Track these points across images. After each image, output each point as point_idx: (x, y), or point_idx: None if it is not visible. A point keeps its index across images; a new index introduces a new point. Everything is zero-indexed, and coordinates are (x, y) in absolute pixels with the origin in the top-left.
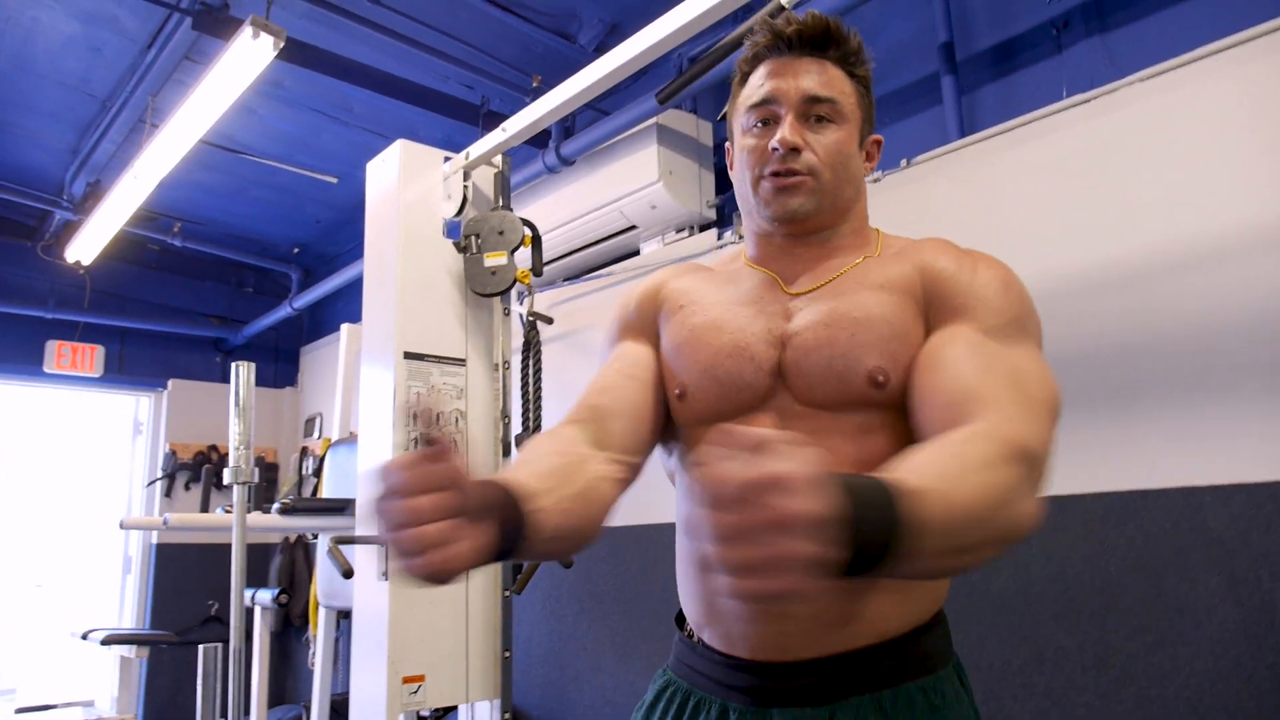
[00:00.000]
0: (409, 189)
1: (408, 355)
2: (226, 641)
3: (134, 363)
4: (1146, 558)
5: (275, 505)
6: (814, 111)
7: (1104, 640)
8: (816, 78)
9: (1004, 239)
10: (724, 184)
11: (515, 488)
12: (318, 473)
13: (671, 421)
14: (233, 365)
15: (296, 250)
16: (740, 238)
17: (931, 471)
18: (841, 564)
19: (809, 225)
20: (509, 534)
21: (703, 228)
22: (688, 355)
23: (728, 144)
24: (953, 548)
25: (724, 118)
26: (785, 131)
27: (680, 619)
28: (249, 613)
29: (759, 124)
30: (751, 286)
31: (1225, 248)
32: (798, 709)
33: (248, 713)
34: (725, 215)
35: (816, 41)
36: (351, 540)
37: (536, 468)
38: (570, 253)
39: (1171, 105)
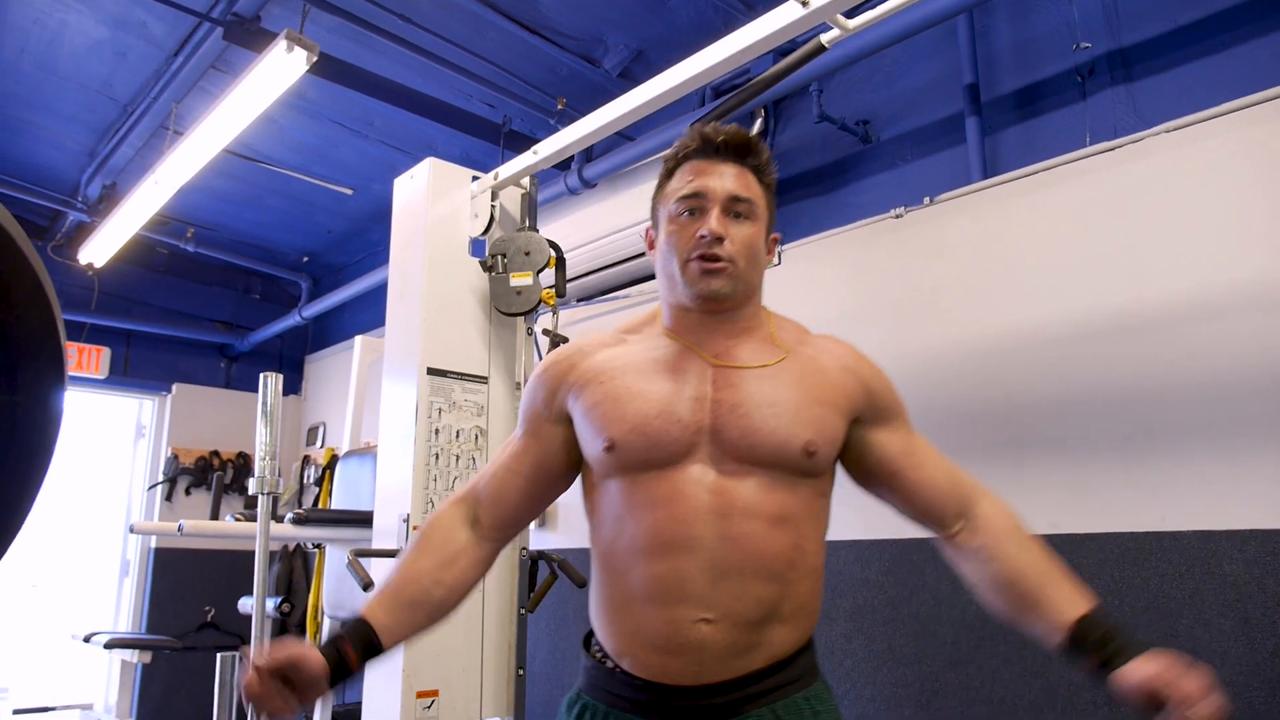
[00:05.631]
0: (436, 206)
1: (430, 371)
2: (233, 648)
3: (139, 366)
4: (1161, 599)
5: (289, 515)
6: (735, 209)
7: None
8: (739, 180)
9: (1022, 281)
10: None
11: (371, 622)
12: (319, 481)
13: (577, 473)
14: (261, 376)
15: (306, 259)
16: None
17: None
18: None
19: (725, 305)
20: (368, 652)
21: None
22: (613, 415)
23: (648, 226)
24: None
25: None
26: (713, 222)
27: (587, 641)
28: (247, 620)
29: (688, 213)
30: (670, 354)
31: (1240, 300)
32: None
33: None
34: None
35: (739, 150)
36: (371, 554)
37: (395, 593)
38: (588, 273)
39: (1195, 158)
